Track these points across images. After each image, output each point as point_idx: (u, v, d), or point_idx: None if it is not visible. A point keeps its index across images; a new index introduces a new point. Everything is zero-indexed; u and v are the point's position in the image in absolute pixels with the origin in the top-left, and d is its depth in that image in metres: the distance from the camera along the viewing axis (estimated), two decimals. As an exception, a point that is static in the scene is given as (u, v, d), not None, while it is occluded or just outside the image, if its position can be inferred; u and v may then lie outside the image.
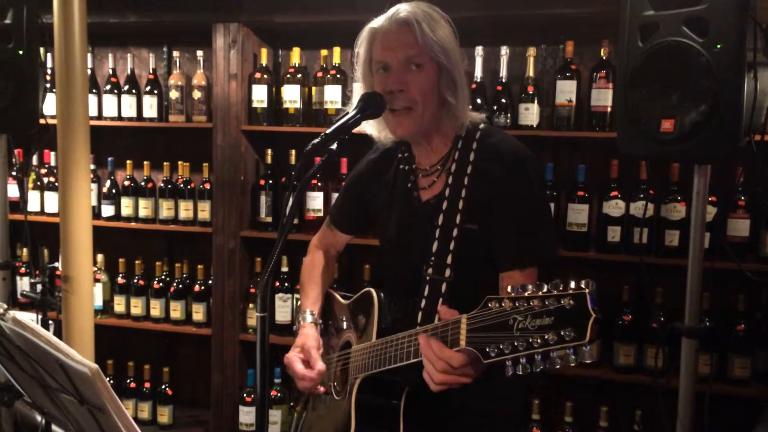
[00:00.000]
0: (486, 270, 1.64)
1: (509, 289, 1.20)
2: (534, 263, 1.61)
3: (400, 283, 1.77)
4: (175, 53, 3.60)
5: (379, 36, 1.66)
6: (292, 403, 2.08)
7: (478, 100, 3.03)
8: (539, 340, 1.13)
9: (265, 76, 3.34)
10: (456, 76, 1.63)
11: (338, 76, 3.23)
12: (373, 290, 1.73)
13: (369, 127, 1.76)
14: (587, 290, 1.11)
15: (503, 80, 3.06)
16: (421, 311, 1.65)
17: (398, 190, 1.80)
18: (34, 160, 3.75)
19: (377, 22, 1.68)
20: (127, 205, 3.60)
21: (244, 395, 3.39)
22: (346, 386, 1.73)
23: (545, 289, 1.16)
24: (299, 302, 3.27)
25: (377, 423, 1.63)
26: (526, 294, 1.17)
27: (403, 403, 1.59)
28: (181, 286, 3.58)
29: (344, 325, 1.87)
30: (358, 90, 1.74)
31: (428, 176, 1.74)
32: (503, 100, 3.04)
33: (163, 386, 3.61)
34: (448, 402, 1.39)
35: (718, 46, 1.85)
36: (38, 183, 3.72)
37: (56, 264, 2.90)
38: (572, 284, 1.13)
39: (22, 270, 3.73)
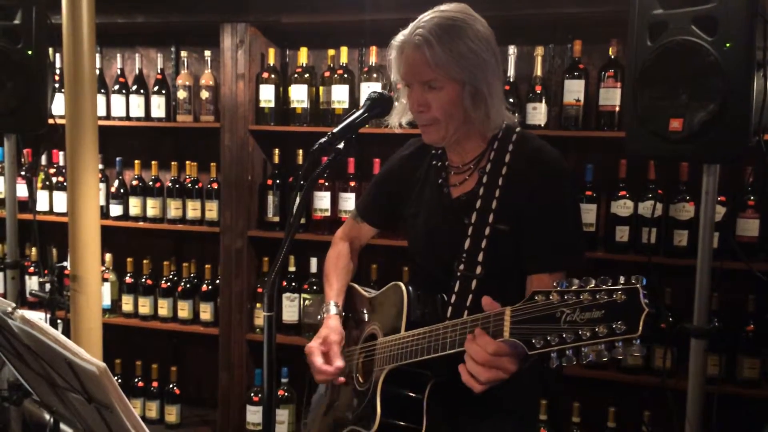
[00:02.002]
0: (515, 269, 1.67)
1: (555, 283, 1.21)
2: (562, 267, 1.63)
3: (427, 278, 1.80)
4: (183, 53, 3.61)
5: (402, 53, 1.66)
6: (307, 393, 2.10)
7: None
8: (588, 333, 1.14)
9: (273, 76, 3.35)
10: (482, 87, 1.61)
11: (345, 75, 3.24)
12: (401, 284, 1.75)
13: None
14: (639, 285, 1.13)
15: (511, 79, 3.05)
16: (451, 306, 1.67)
17: (429, 186, 1.82)
18: (43, 160, 3.77)
19: (400, 37, 1.67)
20: (135, 205, 3.61)
21: (252, 395, 3.39)
22: (370, 377, 1.75)
23: (593, 284, 1.17)
24: (306, 302, 3.31)
25: (401, 414, 1.65)
26: (574, 288, 1.18)
27: (428, 395, 1.62)
28: (188, 285, 3.59)
29: (367, 317, 1.89)
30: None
31: (460, 173, 1.76)
32: (511, 100, 3.02)
33: (171, 385, 3.62)
34: (471, 397, 1.39)
35: (728, 45, 1.85)
36: (47, 183, 3.74)
37: (65, 263, 2.90)
38: (622, 279, 1.16)
39: (31, 269, 3.75)
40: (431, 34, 1.59)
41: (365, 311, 1.91)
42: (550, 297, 1.21)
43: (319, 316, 1.94)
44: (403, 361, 1.62)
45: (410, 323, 1.67)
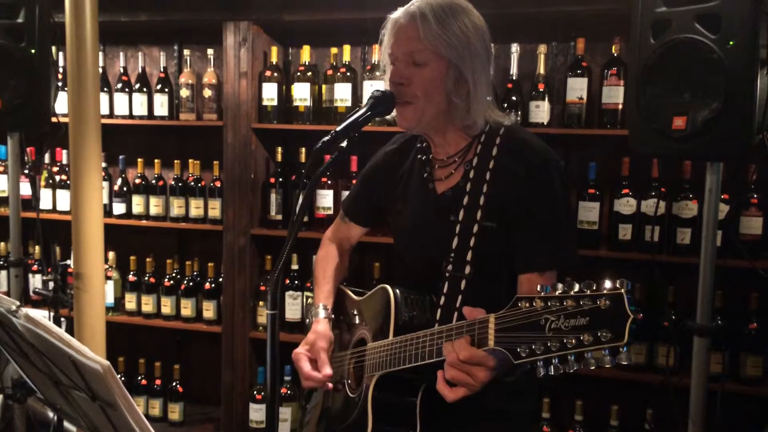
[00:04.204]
0: (505, 267, 1.63)
1: (539, 288, 1.18)
2: (554, 267, 1.60)
3: (415, 277, 1.74)
4: (186, 52, 3.61)
5: (393, 26, 1.63)
6: (303, 403, 2.07)
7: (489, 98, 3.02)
8: (574, 341, 1.11)
9: (276, 74, 3.35)
10: (467, 73, 1.58)
11: (348, 74, 3.23)
12: (388, 286, 1.70)
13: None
14: (623, 290, 1.09)
15: (514, 78, 3.05)
16: (440, 308, 1.63)
17: (414, 180, 1.77)
18: (46, 158, 3.78)
19: (397, 12, 1.64)
20: (138, 203, 3.61)
21: (255, 392, 3.39)
22: (361, 383, 1.72)
23: (577, 289, 1.13)
24: (309, 300, 3.31)
25: (394, 420, 1.62)
26: (557, 293, 1.15)
27: (420, 399, 1.58)
28: (191, 283, 3.59)
29: (357, 321, 1.84)
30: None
31: (445, 167, 1.71)
32: (514, 98, 3.03)
33: (174, 383, 3.63)
34: (464, 400, 1.38)
35: (731, 43, 1.84)
36: (50, 181, 3.74)
37: (68, 261, 2.92)
38: (607, 284, 1.11)
39: (35, 267, 3.76)
40: (427, 6, 1.57)
41: (355, 315, 1.86)
42: (534, 303, 1.18)
43: (308, 320, 1.88)
44: (392, 368, 1.58)
45: (398, 328, 1.62)
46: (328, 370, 1.73)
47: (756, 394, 2.77)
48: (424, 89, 1.59)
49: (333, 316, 1.88)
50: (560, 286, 1.16)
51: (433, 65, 1.58)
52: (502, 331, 1.24)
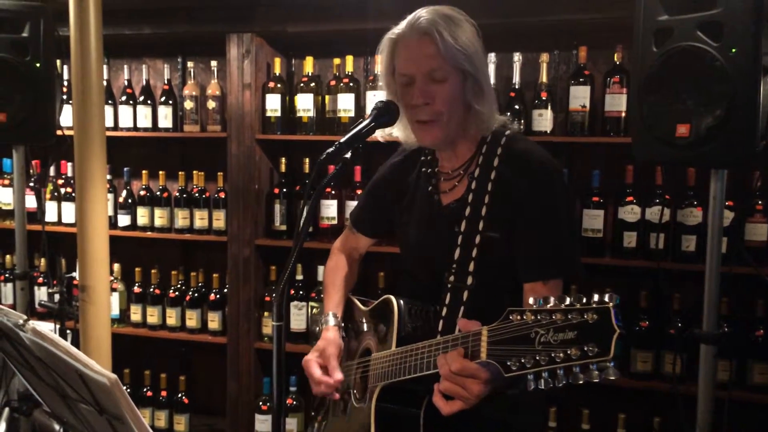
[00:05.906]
0: (507, 278, 1.63)
1: (531, 301, 1.19)
2: (558, 276, 1.59)
3: (419, 288, 1.76)
4: (190, 64, 3.63)
5: (401, 46, 1.63)
6: (312, 413, 2.07)
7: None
8: (561, 355, 1.11)
9: (279, 86, 3.36)
10: (481, 80, 1.61)
11: (351, 84, 3.25)
12: (392, 297, 1.71)
13: (396, 131, 1.74)
14: (611, 304, 1.09)
15: (516, 86, 3.05)
16: (443, 319, 1.63)
17: (419, 193, 1.78)
18: (52, 171, 3.79)
19: (398, 29, 1.64)
20: (142, 215, 3.62)
21: (260, 403, 3.39)
22: (366, 393, 1.72)
23: (567, 302, 1.13)
24: (314, 310, 3.31)
25: (398, 431, 1.62)
26: (548, 307, 1.15)
27: (424, 411, 1.58)
28: (196, 294, 3.59)
29: (364, 331, 1.86)
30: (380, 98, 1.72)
31: (450, 180, 1.72)
32: (516, 107, 3.03)
33: (180, 395, 3.63)
34: (469, 413, 1.37)
35: (733, 51, 1.84)
36: (55, 194, 3.75)
37: (73, 274, 2.91)
38: (596, 297, 1.11)
39: (40, 280, 3.76)
40: (440, 19, 1.57)
41: (362, 325, 1.88)
42: (524, 316, 1.18)
43: (317, 328, 1.90)
44: (393, 378, 1.59)
45: (401, 339, 1.63)
46: (338, 375, 1.75)
47: (764, 401, 2.75)
48: (448, 104, 1.60)
49: (342, 324, 1.90)
50: (551, 299, 1.16)
51: (452, 80, 1.59)
52: (494, 343, 1.24)
